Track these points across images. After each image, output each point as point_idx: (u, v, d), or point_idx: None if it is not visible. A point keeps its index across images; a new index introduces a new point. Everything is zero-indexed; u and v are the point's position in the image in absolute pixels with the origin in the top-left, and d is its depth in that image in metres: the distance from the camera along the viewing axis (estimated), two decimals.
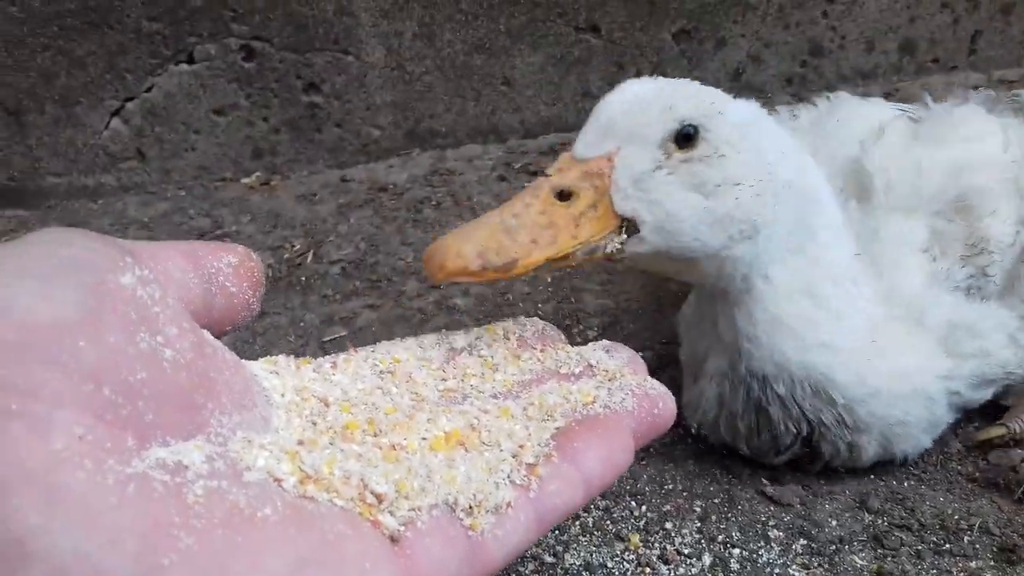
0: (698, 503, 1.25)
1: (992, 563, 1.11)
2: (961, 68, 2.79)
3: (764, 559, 1.15)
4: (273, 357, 0.64)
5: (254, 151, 2.44)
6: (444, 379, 0.69)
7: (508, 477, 0.57)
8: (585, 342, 1.58)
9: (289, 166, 2.46)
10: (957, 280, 1.15)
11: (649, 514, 1.23)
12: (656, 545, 1.18)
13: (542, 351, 0.74)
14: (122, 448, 0.43)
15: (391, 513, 0.51)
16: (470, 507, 0.53)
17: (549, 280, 1.83)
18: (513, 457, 0.59)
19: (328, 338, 1.69)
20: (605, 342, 0.76)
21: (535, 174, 2.31)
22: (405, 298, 1.80)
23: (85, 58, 2.22)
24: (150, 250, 0.54)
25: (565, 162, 0.90)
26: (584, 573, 1.14)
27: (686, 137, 0.92)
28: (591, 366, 0.72)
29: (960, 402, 1.19)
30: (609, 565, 1.15)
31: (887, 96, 2.66)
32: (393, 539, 0.50)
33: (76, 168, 2.35)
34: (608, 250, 0.90)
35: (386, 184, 2.34)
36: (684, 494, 1.26)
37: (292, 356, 0.65)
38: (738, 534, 1.19)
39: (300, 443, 0.54)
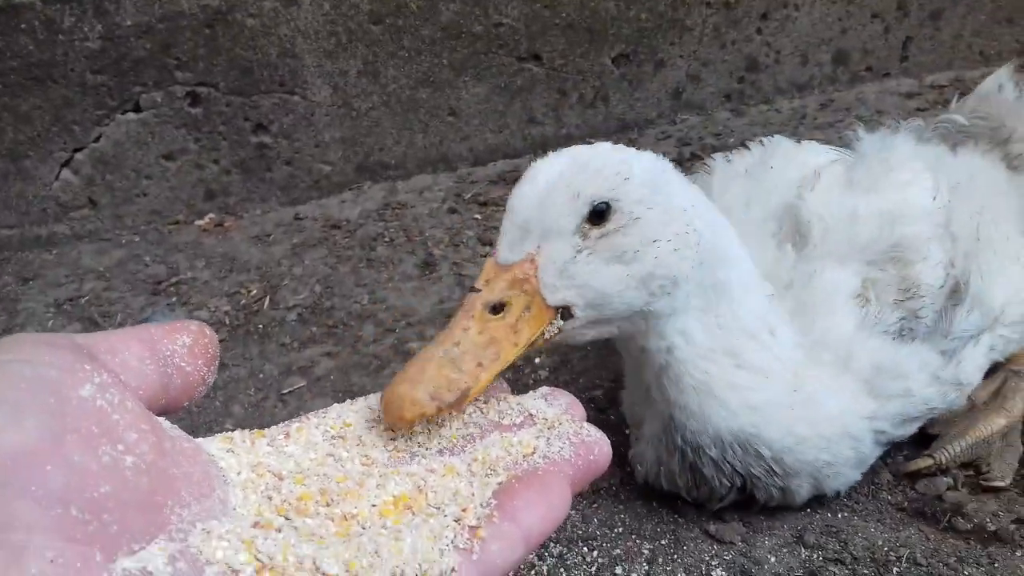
0: (647, 546, 1.31)
1: None
2: (894, 75, 2.88)
3: None
4: (229, 434, 0.66)
5: (206, 193, 2.47)
6: (392, 438, 0.72)
7: (452, 542, 0.59)
8: (536, 383, 1.64)
9: (242, 205, 2.49)
10: (888, 324, 1.21)
11: (600, 559, 1.29)
12: None
13: (485, 403, 0.77)
14: (91, 565, 0.47)
15: None
16: (411, 575, 0.56)
17: None
18: (456, 522, 0.61)
19: (287, 390, 1.73)
20: (544, 389, 0.78)
21: (484, 204, 2.37)
22: (362, 344, 1.85)
23: (31, 112, 2.23)
24: (108, 343, 0.57)
25: (491, 271, 0.92)
26: None
27: (599, 214, 0.95)
28: (531, 415, 0.75)
29: (886, 439, 1.26)
30: None
31: (823, 107, 2.75)
32: None
33: (28, 219, 2.36)
34: (547, 337, 0.94)
35: (339, 221, 2.38)
36: (633, 536, 1.33)
37: (247, 431, 0.68)
38: (683, 575, 1.26)
39: (256, 525, 0.57)
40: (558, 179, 0.95)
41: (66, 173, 2.33)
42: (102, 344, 0.56)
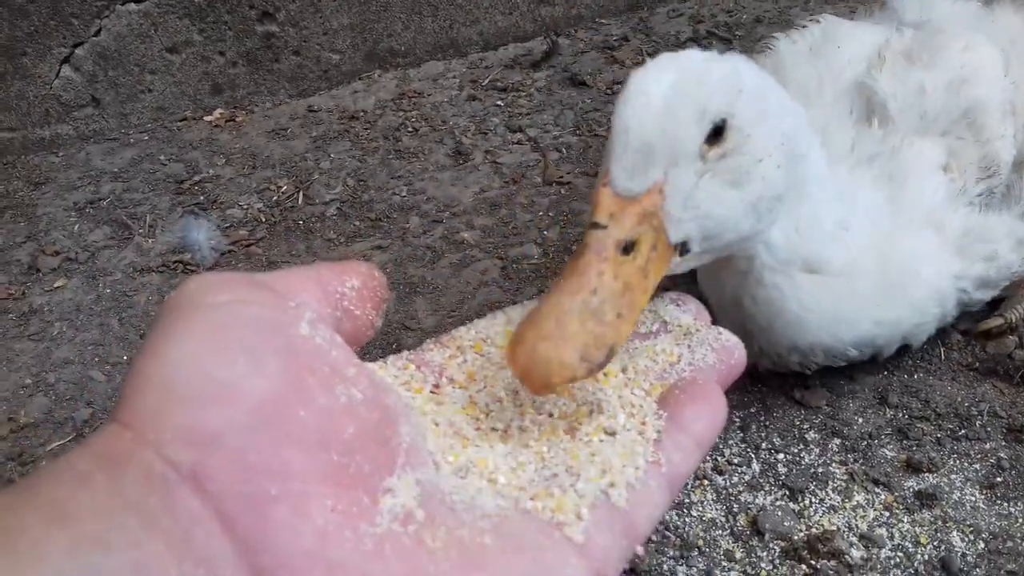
0: (737, 414, 1.37)
1: (1003, 443, 1.27)
2: None
3: (806, 460, 1.29)
4: (382, 361, 0.65)
5: (213, 87, 2.38)
6: None
7: (643, 456, 0.61)
8: None
9: (250, 99, 2.41)
10: (972, 196, 1.26)
11: None
12: (708, 458, 1.30)
13: None
14: (363, 509, 0.47)
15: (574, 515, 0.55)
16: (620, 491, 0.58)
17: (547, 204, 1.89)
18: (640, 435, 0.63)
19: None
20: (672, 293, 0.78)
21: (504, 90, 2.34)
22: (411, 236, 1.84)
23: (26, 6, 2.10)
24: (286, 282, 0.55)
25: (611, 203, 0.80)
26: None
27: (716, 132, 0.87)
28: (665, 322, 0.76)
29: (966, 299, 1.32)
30: None
31: None
32: (575, 542, 0.54)
33: (29, 121, 2.26)
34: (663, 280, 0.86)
35: (355, 112, 2.33)
36: None
37: (399, 355, 0.66)
38: (779, 439, 1.32)
39: (467, 450, 0.59)
40: (678, 95, 0.85)
41: (67, 70, 2.22)
42: (280, 284, 0.54)
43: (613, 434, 0.63)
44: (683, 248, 0.87)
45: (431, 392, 0.64)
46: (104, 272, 1.84)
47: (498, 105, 2.28)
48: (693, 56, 0.92)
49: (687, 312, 0.77)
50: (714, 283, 1.23)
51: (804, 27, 1.59)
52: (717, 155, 0.86)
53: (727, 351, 0.71)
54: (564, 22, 2.58)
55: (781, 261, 1.10)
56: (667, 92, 0.85)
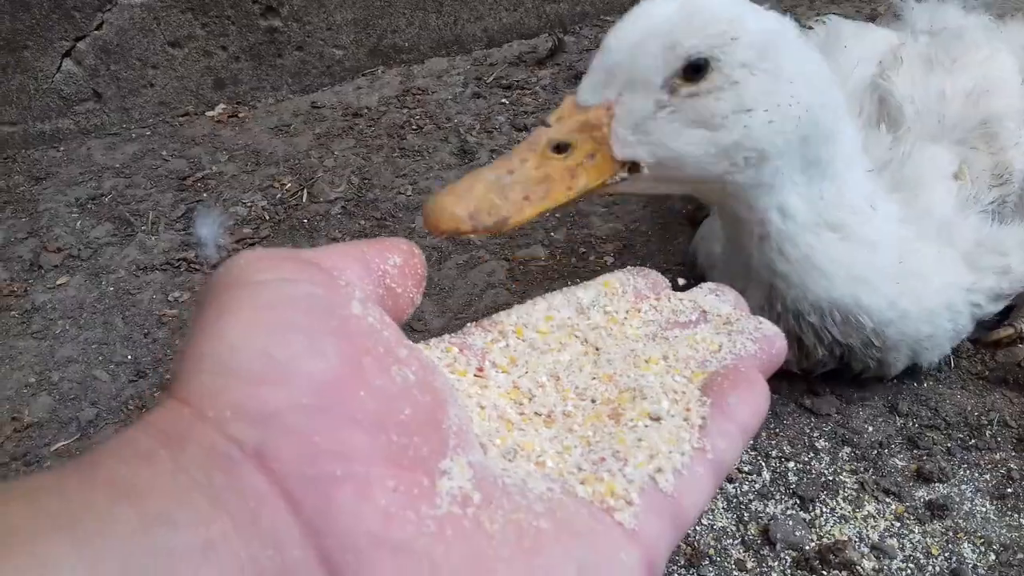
0: None
1: (1014, 453, 1.27)
2: None
3: (817, 469, 1.28)
4: (426, 343, 0.65)
5: (215, 82, 2.36)
6: (582, 339, 0.71)
7: (689, 443, 0.60)
8: (603, 269, 1.66)
9: (253, 95, 2.40)
10: (984, 204, 1.25)
11: None
12: None
13: (657, 300, 0.76)
14: (424, 491, 0.46)
15: (625, 500, 0.54)
16: (667, 476, 0.57)
17: None
18: (685, 421, 0.62)
19: None
20: (711, 284, 0.78)
21: (509, 88, 2.33)
22: (417, 236, 1.83)
23: None
24: (331, 259, 0.54)
25: (567, 109, 0.88)
26: None
27: (695, 68, 0.90)
28: (705, 312, 0.75)
29: (980, 313, 1.31)
30: None
31: None
32: (627, 527, 0.53)
33: (30, 115, 2.24)
34: (608, 187, 0.91)
35: (359, 108, 2.31)
36: None
37: (440, 338, 0.66)
38: (789, 447, 1.32)
39: (512, 433, 0.58)
40: (660, 24, 0.89)
41: (68, 64, 2.21)
42: (326, 260, 0.53)
43: (658, 419, 0.61)
44: (633, 166, 0.91)
45: (475, 375, 0.63)
46: (107, 269, 1.82)
47: (503, 103, 2.27)
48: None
49: (726, 302, 0.76)
50: (739, 255, 1.22)
51: (810, 28, 1.59)
52: (688, 92, 0.90)
53: (768, 340, 0.70)
54: (569, 19, 2.57)
55: (802, 224, 1.10)
56: (653, 19, 0.90)
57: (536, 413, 0.62)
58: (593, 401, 0.64)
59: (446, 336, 0.66)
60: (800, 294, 1.18)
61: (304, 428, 0.43)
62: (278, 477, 0.41)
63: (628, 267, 0.80)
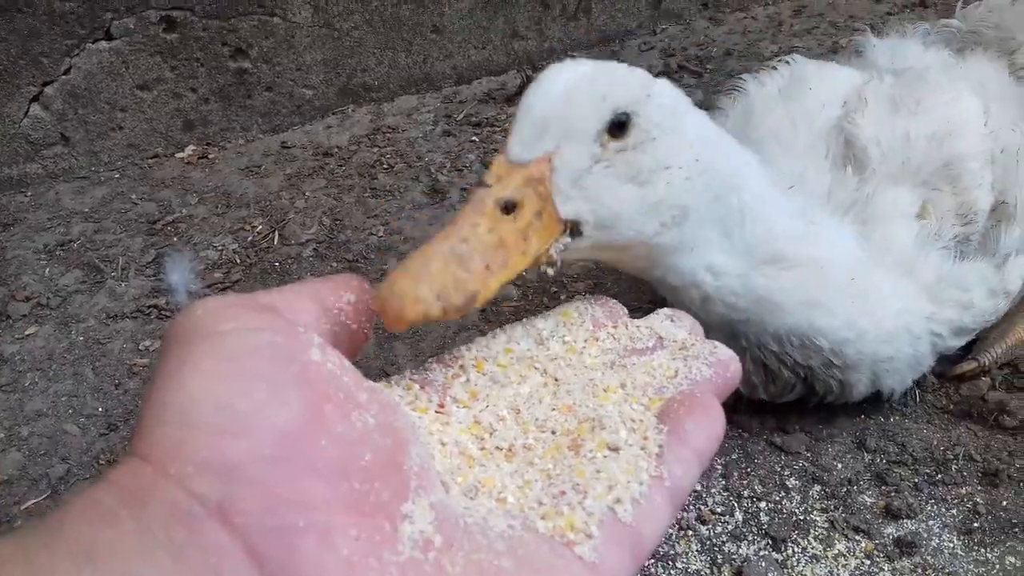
0: (719, 461, 1.38)
1: (979, 487, 1.29)
2: None
3: (788, 508, 1.30)
4: (388, 381, 0.66)
5: (185, 123, 2.36)
6: (542, 369, 0.72)
7: (646, 471, 0.61)
8: None
9: (223, 135, 2.40)
10: (945, 240, 1.27)
11: None
12: (692, 507, 1.31)
13: (615, 328, 0.77)
14: (386, 537, 0.47)
15: (584, 533, 0.56)
16: (626, 507, 0.58)
17: None
18: (643, 449, 0.63)
19: None
20: (667, 310, 0.78)
21: (479, 125, 2.34)
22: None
23: None
24: (286, 301, 0.55)
25: (502, 167, 0.85)
26: None
27: (619, 126, 0.91)
28: (661, 338, 0.76)
29: (942, 346, 1.33)
30: None
31: (796, 12, 2.77)
32: (587, 561, 0.55)
33: None
34: (552, 255, 0.88)
35: (329, 148, 2.32)
36: None
37: (401, 375, 0.67)
38: (760, 487, 1.33)
39: (465, 465, 0.59)
40: (583, 80, 0.91)
41: (36, 109, 2.20)
42: (282, 303, 0.54)
43: (616, 449, 0.63)
44: (574, 230, 0.89)
45: (437, 412, 0.64)
46: (76, 318, 1.81)
47: (473, 140, 2.29)
48: (610, 62, 0.96)
49: (682, 327, 0.77)
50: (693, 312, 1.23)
51: (773, 68, 1.61)
52: (617, 147, 0.91)
53: (722, 364, 0.72)
54: (537, 56, 2.60)
55: (738, 275, 1.12)
56: (572, 79, 0.90)
57: (497, 447, 0.63)
58: (554, 432, 0.65)
59: (407, 372, 0.67)
60: (760, 328, 1.20)
61: (266, 479, 0.43)
62: (241, 531, 0.42)
63: (586, 296, 0.80)
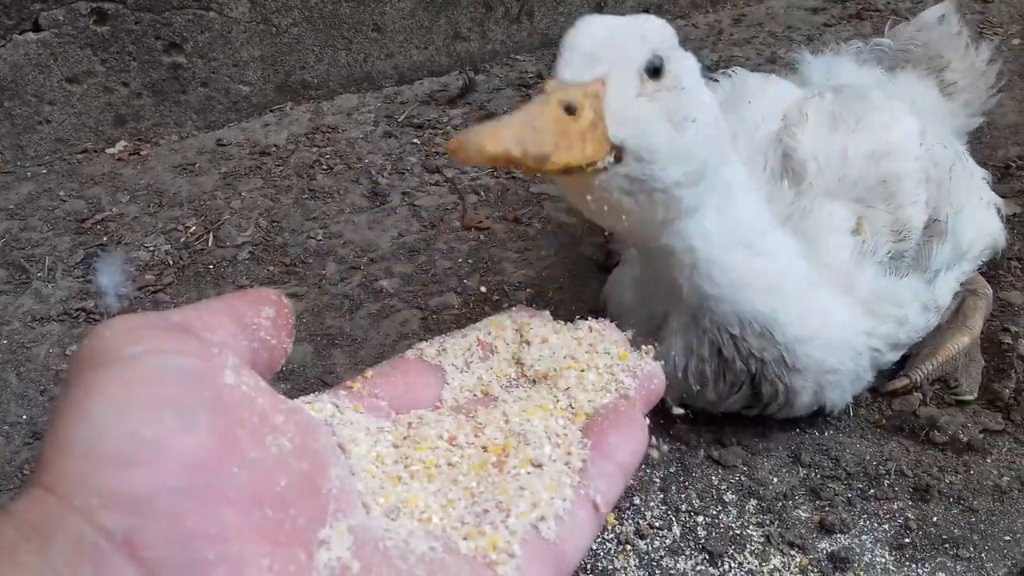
0: (657, 475, 1.39)
1: (910, 503, 1.32)
2: None
3: (725, 522, 1.31)
4: (307, 397, 0.64)
5: (116, 118, 2.29)
6: (474, 374, 0.73)
7: (570, 486, 0.62)
8: None
9: (156, 131, 2.33)
10: (880, 256, 1.30)
11: None
12: (630, 521, 1.32)
13: (542, 341, 0.77)
14: (300, 566, 0.46)
15: (507, 553, 0.56)
16: (549, 524, 0.58)
17: (466, 250, 1.88)
18: (567, 465, 0.64)
19: None
20: (592, 321, 0.79)
21: (420, 127, 2.32)
22: (328, 283, 1.80)
23: None
24: (202, 320, 0.53)
25: (555, 85, 0.88)
26: None
27: (654, 71, 0.95)
28: (592, 346, 0.77)
29: (881, 360, 1.36)
30: (593, 547, 1.28)
31: (736, 21, 2.81)
32: None
33: None
34: (601, 165, 0.92)
35: (267, 147, 2.28)
36: (642, 466, 1.40)
37: (325, 392, 0.66)
38: (698, 501, 1.34)
39: (388, 485, 0.58)
40: (625, 22, 0.96)
41: None
42: (197, 322, 0.52)
43: (540, 466, 0.63)
44: (618, 154, 0.92)
45: (364, 430, 0.62)
46: (0, 321, 1.74)
47: (414, 143, 2.26)
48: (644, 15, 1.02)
49: (607, 339, 0.77)
50: (661, 288, 1.25)
51: (715, 81, 1.63)
52: (655, 87, 0.95)
53: (647, 376, 0.73)
54: (480, 58, 2.58)
55: (721, 247, 1.15)
56: (613, 21, 0.95)
57: (423, 464, 0.62)
58: (484, 449, 0.64)
59: (336, 388, 0.66)
60: (729, 308, 1.21)
61: (175, 511, 0.42)
62: (148, 565, 0.40)
63: (515, 307, 0.81)
